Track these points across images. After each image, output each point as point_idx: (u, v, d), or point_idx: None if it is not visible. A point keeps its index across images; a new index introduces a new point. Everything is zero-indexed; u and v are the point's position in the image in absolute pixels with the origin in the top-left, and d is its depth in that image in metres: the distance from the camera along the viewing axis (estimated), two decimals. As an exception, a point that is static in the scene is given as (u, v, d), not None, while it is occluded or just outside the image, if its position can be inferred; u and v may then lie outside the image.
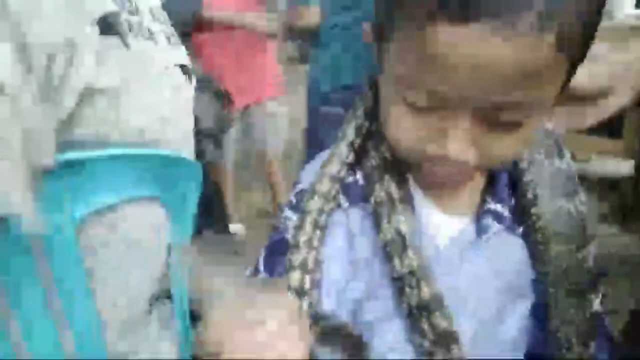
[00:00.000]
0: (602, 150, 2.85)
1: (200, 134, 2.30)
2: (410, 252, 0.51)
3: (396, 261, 0.52)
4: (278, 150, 2.60)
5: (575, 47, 0.41)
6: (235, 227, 2.53)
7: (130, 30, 0.45)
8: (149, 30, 0.50)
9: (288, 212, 0.59)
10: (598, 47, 0.47)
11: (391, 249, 0.52)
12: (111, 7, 0.43)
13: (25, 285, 0.50)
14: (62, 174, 0.55)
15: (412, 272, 0.50)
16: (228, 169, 2.56)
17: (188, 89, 0.60)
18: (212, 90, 2.91)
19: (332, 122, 0.90)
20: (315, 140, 1.91)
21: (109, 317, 0.54)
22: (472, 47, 0.39)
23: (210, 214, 2.14)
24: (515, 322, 0.55)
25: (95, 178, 0.58)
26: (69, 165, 0.55)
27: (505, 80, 0.40)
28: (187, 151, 0.63)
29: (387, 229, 0.52)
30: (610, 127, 2.72)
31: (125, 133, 0.49)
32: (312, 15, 1.94)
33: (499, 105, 0.42)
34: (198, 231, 0.73)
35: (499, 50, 0.38)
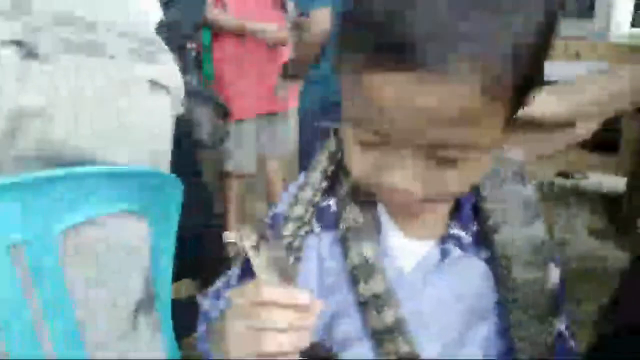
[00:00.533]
0: (598, 166, 2.86)
1: (197, 146, 2.33)
2: (374, 277, 0.53)
3: (361, 285, 0.54)
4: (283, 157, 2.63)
5: (507, 89, 0.42)
6: (230, 235, 2.55)
7: (65, 49, 0.46)
8: (101, 47, 0.51)
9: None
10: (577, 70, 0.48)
11: (357, 274, 0.54)
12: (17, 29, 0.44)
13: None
14: (46, 188, 0.57)
15: (376, 297, 0.53)
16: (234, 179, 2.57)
17: (157, 105, 0.61)
18: (211, 102, 2.94)
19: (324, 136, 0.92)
20: (308, 155, 1.93)
21: (92, 322, 0.55)
22: (402, 92, 0.41)
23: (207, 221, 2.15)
24: (478, 344, 0.57)
25: (78, 192, 0.60)
26: (52, 180, 0.57)
27: (436, 122, 0.42)
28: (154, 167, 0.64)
29: (353, 254, 0.55)
30: (606, 144, 2.74)
31: (62, 151, 0.49)
32: (322, 19, 1.82)
33: (435, 144, 0.44)
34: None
35: (426, 96, 0.41)
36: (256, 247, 0.44)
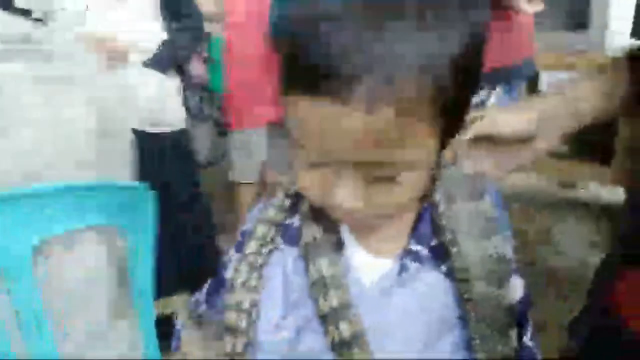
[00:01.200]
0: (594, 176, 2.86)
1: (197, 162, 2.36)
2: (332, 292, 0.55)
3: (321, 301, 0.56)
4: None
5: (427, 110, 0.43)
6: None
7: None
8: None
9: (232, 251, 0.65)
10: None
11: (316, 289, 0.56)
12: None
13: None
14: (20, 204, 0.59)
15: (334, 311, 0.55)
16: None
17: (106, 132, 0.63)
18: (210, 120, 2.98)
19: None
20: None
21: (70, 332, 0.57)
22: (325, 117, 0.44)
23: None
24: (442, 356, 0.58)
25: (53, 208, 0.62)
26: (27, 196, 0.59)
27: (362, 144, 0.44)
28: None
29: (312, 270, 0.57)
30: (602, 154, 2.74)
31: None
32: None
33: (369, 164, 0.46)
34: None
35: (345, 121, 0.43)
36: (188, 326, 0.47)
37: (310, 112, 0.45)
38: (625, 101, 0.66)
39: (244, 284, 0.60)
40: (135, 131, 1.92)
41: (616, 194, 2.86)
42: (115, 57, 1.82)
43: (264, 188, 2.66)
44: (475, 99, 0.51)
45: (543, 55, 2.73)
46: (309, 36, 0.43)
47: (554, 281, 2.20)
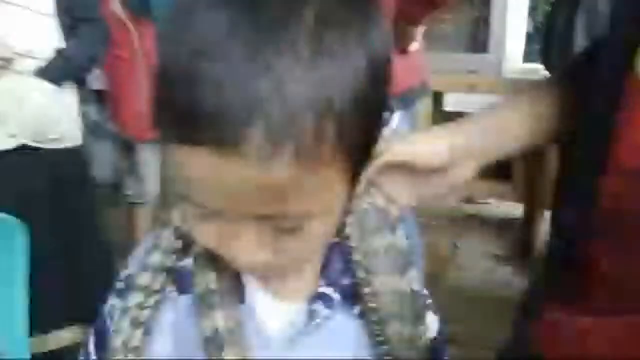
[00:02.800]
0: (496, 193, 2.99)
1: (94, 183, 2.19)
2: (227, 349, 0.48)
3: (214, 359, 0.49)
4: None
5: (328, 157, 0.38)
6: None
7: None
8: None
9: (114, 299, 0.56)
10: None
11: (210, 346, 0.49)
12: None
13: None
14: None
15: None
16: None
17: None
18: (111, 137, 2.80)
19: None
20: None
21: None
22: (211, 168, 0.37)
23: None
24: None
25: None
26: None
27: (254, 199, 0.38)
28: None
29: (206, 324, 0.49)
30: (501, 172, 2.88)
31: None
32: None
33: (266, 217, 0.40)
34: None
35: (233, 170, 0.36)
36: None
37: (191, 162, 0.38)
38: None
39: (125, 344, 0.51)
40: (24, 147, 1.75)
41: (515, 210, 3.00)
42: None
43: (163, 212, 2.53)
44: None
45: (446, 76, 2.84)
46: (184, 75, 0.36)
47: (457, 298, 2.25)
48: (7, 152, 1.72)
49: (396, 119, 1.52)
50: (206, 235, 0.45)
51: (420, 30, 1.49)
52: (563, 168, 0.70)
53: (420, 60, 1.61)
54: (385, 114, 0.46)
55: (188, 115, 0.36)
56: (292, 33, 0.35)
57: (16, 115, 1.72)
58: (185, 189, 0.41)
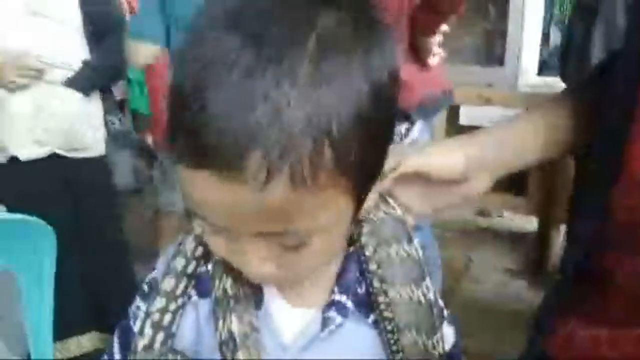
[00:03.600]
0: (510, 206, 2.97)
1: (116, 190, 2.23)
2: (240, 353, 0.49)
3: None
4: None
5: (327, 178, 0.39)
6: None
7: None
8: None
9: (139, 302, 0.58)
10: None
11: (225, 349, 0.50)
12: None
13: None
14: None
15: None
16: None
17: None
18: (134, 145, 2.84)
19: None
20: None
21: None
22: (211, 190, 0.39)
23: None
24: None
25: None
26: None
27: (256, 219, 0.40)
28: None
29: (221, 329, 0.51)
30: (516, 185, 2.86)
31: None
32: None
33: (269, 234, 0.42)
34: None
35: (233, 193, 0.38)
36: None
37: (195, 184, 0.40)
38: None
39: (146, 347, 0.53)
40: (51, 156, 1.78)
41: (529, 223, 2.98)
42: (27, 75, 1.68)
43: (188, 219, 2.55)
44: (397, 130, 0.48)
45: (461, 90, 2.84)
46: (188, 101, 0.38)
47: (471, 311, 2.23)
48: (35, 161, 1.75)
49: (416, 130, 1.54)
50: (218, 247, 0.47)
51: (435, 42, 1.51)
52: (578, 180, 0.70)
53: (440, 70, 1.62)
54: (393, 129, 0.47)
55: (191, 139, 0.38)
56: (292, 60, 0.37)
57: (47, 125, 1.75)
58: (192, 205, 0.43)
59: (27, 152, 1.75)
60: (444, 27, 1.51)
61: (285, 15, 0.39)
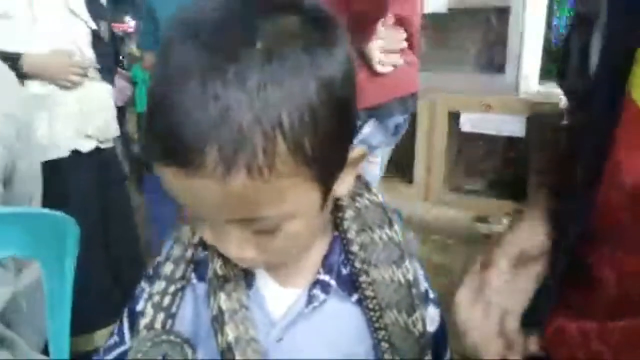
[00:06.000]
0: (510, 212, 2.98)
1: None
2: (228, 327, 0.53)
3: (219, 336, 0.54)
4: None
5: (287, 164, 0.42)
6: None
7: None
8: None
9: (143, 283, 0.63)
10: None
11: (215, 324, 0.54)
12: None
13: None
14: None
15: (229, 346, 0.53)
16: None
17: None
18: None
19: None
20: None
21: None
22: (181, 184, 0.43)
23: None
24: None
25: None
26: None
27: (224, 207, 0.44)
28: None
29: (212, 306, 0.55)
30: (515, 191, 2.88)
31: None
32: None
33: (240, 221, 0.46)
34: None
35: (198, 186, 0.42)
36: None
37: (168, 179, 0.44)
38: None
39: (147, 326, 0.57)
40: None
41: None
42: (79, 72, 1.74)
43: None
44: None
45: (462, 97, 2.87)
46: (155, 107, 0.43)
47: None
48: (81, 154, 1.78)
49: (367, 129, 1.58)
50: (204, 233, 0.51)
51: (375, 48, 1.50)
52: (566, 182, 0.71)
53: (399, 77, 1.61)
54: (352, 124, 0.50)
55: (158, 140, 0.43)
56: (242, 63, 0.40)
57: (95, 118, 1.80)
58: (174, 197, 0.46)
59: (80, 145, 1.79)
60: (395, 37, 1.53)
61: (237, 21, 0.42)
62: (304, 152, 0.43)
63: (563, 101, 2.64)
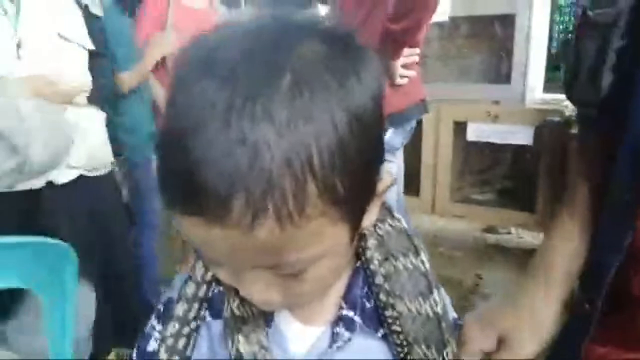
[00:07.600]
0: (519, 223, 2.96)
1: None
2: None
3: None
4: None
5: (316, 207, 0.38)
6: None
7: None
8: None
9: (154, 321, 0.60)
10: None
11: None
12: None
13: None
14: None
15: None
16: None
17: None
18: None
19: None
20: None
21: None
22: (201, 233, 0.39)
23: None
24: None
25: None
26: None
27: (249, 256, 0.40)
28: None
29: (230, 349, 0.52)
30: (524, 201, 2.85)
31: None
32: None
33: (265, 267, 0.42)
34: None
35: (222, 235, 0.38)
36: None
37: (189, 228, 0.40)
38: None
39: None
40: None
41: (538, 239, 2.95)
42: (56, 99, 1.68)
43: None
44: None
45: (468, 107, 2.85)
46: (173, 150, 0.39)
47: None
48: (66, 184, 1.70)
49: (388, 135, 1.72)
50: (223, 277, 0.47)
51: (398, 66, 1.68)
52: (596, 211, 0.67)
53: (412, 85, 1.77)
54: (381, 149, 0.46)
55: (178, 188, 0.39)
56: (267, 99, 0.36)
57: (79, 147, 1.73)
58: (191, 243, 0.43)
59: (54, 176, 1.73)
60: (410, 52, 1.69)
61: (258, 53, 0.39)
62: (336, 192, 0.39)
63: (569, 108, 2.62)
